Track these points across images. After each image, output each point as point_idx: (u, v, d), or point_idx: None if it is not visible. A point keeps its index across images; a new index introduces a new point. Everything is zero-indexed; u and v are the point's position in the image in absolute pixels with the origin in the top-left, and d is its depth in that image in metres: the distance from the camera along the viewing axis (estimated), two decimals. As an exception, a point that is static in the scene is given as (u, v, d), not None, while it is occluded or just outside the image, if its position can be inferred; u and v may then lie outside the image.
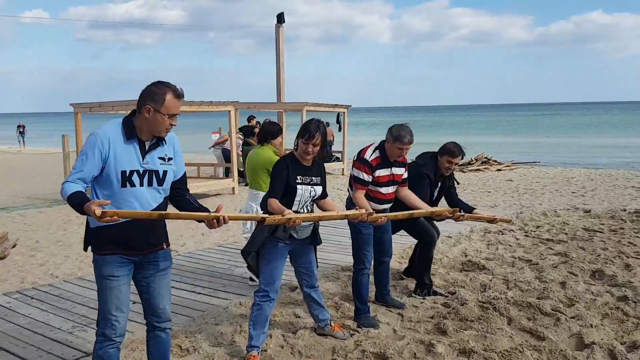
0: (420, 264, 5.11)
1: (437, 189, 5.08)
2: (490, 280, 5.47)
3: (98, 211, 2.39)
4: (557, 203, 10.77)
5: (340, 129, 16.98)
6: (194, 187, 11.72)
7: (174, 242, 7.19)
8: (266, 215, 3.20)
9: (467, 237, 7.42)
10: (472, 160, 18.93)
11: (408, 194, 4.49)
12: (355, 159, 4.34)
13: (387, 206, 4.43)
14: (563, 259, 6.23)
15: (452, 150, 4.88)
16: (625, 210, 9.44)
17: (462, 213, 4.62)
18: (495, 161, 18.92)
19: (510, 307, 4.66)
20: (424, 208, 4.38)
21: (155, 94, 2.69)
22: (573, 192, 12.26)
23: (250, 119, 14.51)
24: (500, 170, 17.83)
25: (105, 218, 2.41)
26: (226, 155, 13.63)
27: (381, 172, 4.26)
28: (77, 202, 2.49)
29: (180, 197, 2.96)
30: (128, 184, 2.68)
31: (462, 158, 4.92)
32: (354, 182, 4.24)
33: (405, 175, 4.48)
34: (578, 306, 4.73)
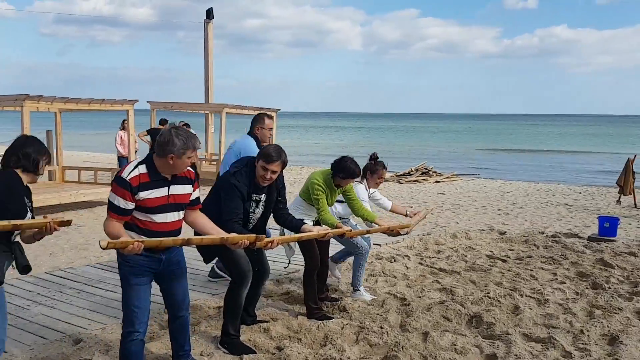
0: (225, 308, 4.03)
1: (262, 202, 3.99)
2: (342, 329, 4.41)
3: None
4: (475, 222, 9.86)
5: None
6: (81, 194, 10.44)
7: None
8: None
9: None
10: (411, 171, 18.09)
11: (197, 219, 3.41)
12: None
13: (169, 240, 3.30)
14: (444, 297, 5.22)
15: (268, 154, 3.80)
16: (543, 233, 8.57)
17: (271, 239, 3.58)
18: (435, 172, 18.10)
19: (341, 372, 3.61)
20: (216, 234, 3.33)
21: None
22: (500, 210, 11.41)
23: (163, 122, 13.26)
24: (438, 182, 17.00)
25: None
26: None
27: (149, 194, 3.13)
28: None
29: None
30: None
31: (282, 164, 3.85)
32: (108, 209, 3.12)
33: (196, 195, 3.38)
34: (430, 370, 3.71)
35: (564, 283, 5.79)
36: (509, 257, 6.91)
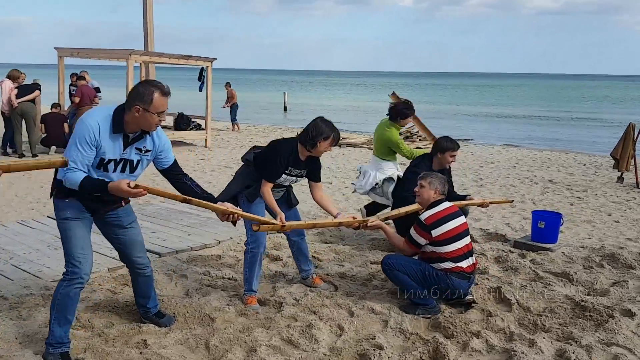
0: None
1: None
2: None
3: (132, 184, 2.74)
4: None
5: (200, 89, 13.77)
6: None
7: None
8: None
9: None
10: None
11: None
12: None
13: None
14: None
15: None
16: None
17: None
18: (419, 137, 15.50)
19: None
20: None
21: (143, 94, 2.82)
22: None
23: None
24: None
25: (138, 190, 2.75)
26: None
27: None
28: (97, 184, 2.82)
29: (180, 182, 3.19)
30: (103, 169, 2.92)
31: None
32: None
33: None
34: None
35: (406, 339, 3.45)
36: (374, 278, 4.60)
